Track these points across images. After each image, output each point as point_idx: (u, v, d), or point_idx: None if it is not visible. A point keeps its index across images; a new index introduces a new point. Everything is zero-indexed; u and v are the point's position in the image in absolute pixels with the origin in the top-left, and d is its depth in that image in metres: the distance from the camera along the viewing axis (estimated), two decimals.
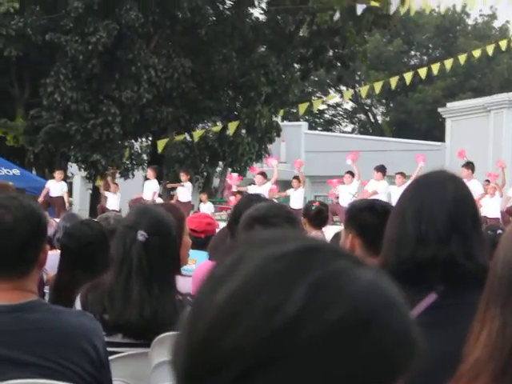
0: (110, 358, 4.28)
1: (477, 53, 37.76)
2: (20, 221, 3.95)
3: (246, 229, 4.93)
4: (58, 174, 29.42)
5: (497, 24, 73.91)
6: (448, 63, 35.73)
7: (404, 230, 3.47)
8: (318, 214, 11.25)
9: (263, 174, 27.86)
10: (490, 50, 38.27)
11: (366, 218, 4.97)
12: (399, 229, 3.51)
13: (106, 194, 30.29)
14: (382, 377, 1.40)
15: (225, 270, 1.46)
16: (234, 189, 28.75)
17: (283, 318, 1.35)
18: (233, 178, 30.31)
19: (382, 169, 25.17)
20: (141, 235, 4.78)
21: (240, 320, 1.36)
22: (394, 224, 3.57)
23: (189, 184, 29.91)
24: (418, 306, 3.29)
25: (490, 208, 25.08)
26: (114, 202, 28.74)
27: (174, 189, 30.92)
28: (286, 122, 46.41)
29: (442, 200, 3.50)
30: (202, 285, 1.49)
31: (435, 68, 35.45)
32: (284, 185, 31.54)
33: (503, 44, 38.23)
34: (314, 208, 11.28)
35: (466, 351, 2.39)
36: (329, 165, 41.06)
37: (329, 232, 10.15)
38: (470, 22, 74.25)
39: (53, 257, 9.15)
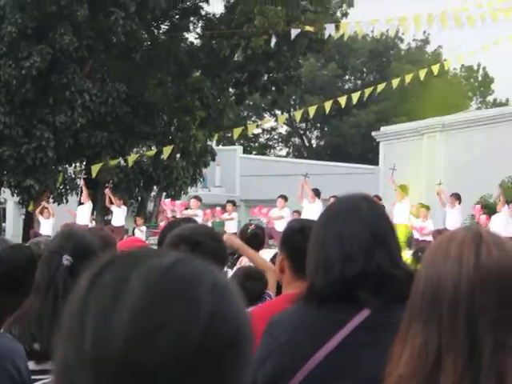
0: None
1: (409, 77, 37.89)
2: None
3: (172, 248, 4.81)
4: None
5: (429, 49, 74.26)
6: (381, 87, 35.98)
7: (328, 252, 3.48)
8: (254, 237, 11.12)
9: (197, 197, 27.96)
10: (422, 74, 38.45)
11: (297, 240, 4.84)
12: (323, 252, 3.52)
13: (40, 218, 29.95)
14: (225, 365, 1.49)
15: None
16: (169, 214, 28.64)
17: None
18: (166, 204, 30.21)
19: (316, 192, 25.41)
20: (66, 259, 4.68)
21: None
22: (316, 249, 3.58)
23: (123, 208, 29.90)
24: (350, 324, 3.33)
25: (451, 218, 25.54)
26: (46, 227, 28.30)
27: (107, 213, 30.84)
28: (220, 147, 46.53)
29: (360, 218, 3.57)
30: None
31: (368, 92, 35.69)
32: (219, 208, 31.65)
33: (435, 68, 38.32)
34: (250, 231, 11.27)
35: (388, 370, 2.49)
36: (264, 189, 41.27)
37: (265, 255, 10.26)
38: (403, 46, 73.97)
39: None
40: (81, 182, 30.07)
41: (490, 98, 78.45)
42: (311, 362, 3.30)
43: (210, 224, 26.31)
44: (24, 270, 5.15)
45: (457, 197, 27.12)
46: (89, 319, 1.44)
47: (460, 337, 2.38)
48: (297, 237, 4.95)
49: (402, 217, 25.18)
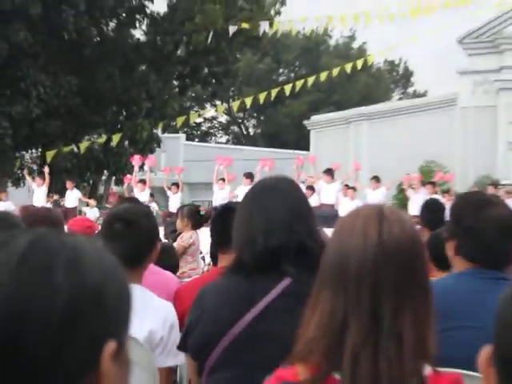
0: None
1: (336, 71, 37.97)
2: None
3: (106, 226, 4.75)
4: None
5: (355, 45, 74.59)
6: (311, 80, 35.98)
7: (253, 227, 3.50)
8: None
9: (143, 181, 27.84)
10: (348, 68, 38.65)
11: (224, 218, 4.89)
12: (248, 228, 3.53)
13: None
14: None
15: None
16: (136, 169, 28.42)
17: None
18: (135, 159, 29.80)
19: (250, 175, 25.22)
20: None
21: None
22: (242, 225, 3.60)
23: (75, 191, 29.72)
24: (273, 292, 3.34)
25: (373, 198, 25.47)
26: (5, 208, 28.08)
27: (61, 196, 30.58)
28: (166, 134, 46.18)
29: (281, 197, 3.57)
30: None
31: (299, 84, 35.68)
32: (162, 192, 31.44)
33: (360, 63, 38.57)
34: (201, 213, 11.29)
35: (299, 332, 2.49)
36: (205, 172, 41.12)
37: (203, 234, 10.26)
38: (332, 42, 74.49)
39: None
40: (45, 169, 29.59)
41: (410, 90, 78.84)
42: (237, 328, 3.31)
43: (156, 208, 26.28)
44: None
45: (377, 179, 27.11)
46: None
47: (364, 304, 2.40)
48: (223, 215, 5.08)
49: (331, 197, 25.25)
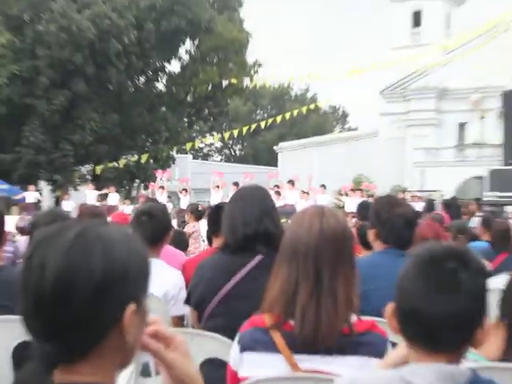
0: None
1: (296, 112, 38.14)
2: None
3: (136, 218, 4.74)
4: (31, 187, 28.70)
5: (309, 95, 74.51)
6: (279, 118, 36.10)
7: (235, 220, 3.48)
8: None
9: (162, 187, 27.80)
10: (304, 110, 38.87)
11: (216, 213, 4.86)
12: (232, 221, 3.51)
13: (64, 200, 29.59)
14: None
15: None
16: (158, 181, 28.68)
17: None
18: (158, 172, 30.30)
19: (236, 184, 25.06)
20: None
21: None
22: (228, 218, 3.56)
23: (116, 194, 29.62)
24: (249, 264, 3.34)
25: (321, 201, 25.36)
26: (68, 206, 28.08)
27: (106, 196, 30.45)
28: (178, 155, 46.05)
29: (254, 198, 3.56)
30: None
31: (270, 121, 35.78)
32: (176, 195, 31.35)
33: (312, 107, 38.88)
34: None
35: (265, 294, 2.52)
36: (206, 181, 41.08)
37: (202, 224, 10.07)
38: (293, 93, 74.74)
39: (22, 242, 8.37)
40: (107, 185, 29.68)
41: (346, 126, 78.91)
42: (223, 290, 3.32)
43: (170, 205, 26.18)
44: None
45: (324, 187, 27.18)
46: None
47: (309, 273, 2.43)
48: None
49: (292, 199, 25.21)
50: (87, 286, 1.39)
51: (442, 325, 1.81)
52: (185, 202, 26.36)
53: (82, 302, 1.38)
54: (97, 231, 1.47)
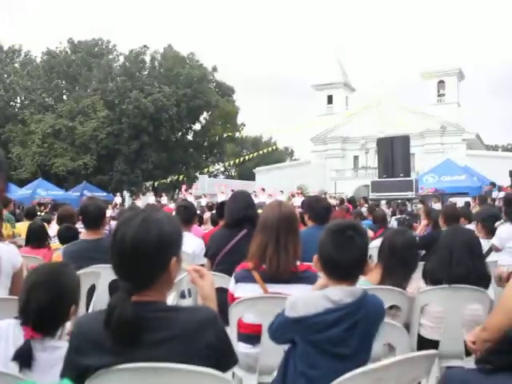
0: None
1: (265, 151, 38.17)
2: None
3: (177, 210, 4.49)
4: (118, 194, 27.86)
5: (273, 140, 73.14)
6: (255, 154, 35.84)
7: (232, 209, 3.30)
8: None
9: (190, 193, 27.31)
10: (270, 149, 38.88)
11: (221, 206, 4.62)
12: (230, 210, 3.32)
13: (136, 201, 28.99)
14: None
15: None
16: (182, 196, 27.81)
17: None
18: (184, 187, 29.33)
19: (233, 190, 24.67)
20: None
21: None
22: (227, 208, 3.35)
23: (165, 197, 29.09)
24: (239, 234, 3.17)
25: (280, 199, 24.84)
26: (139, 204, 27.44)
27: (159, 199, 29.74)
28: (200, 175, 45.74)
29: (244, 197, 3.41)
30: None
31: (252, 156, 35.53)
32: (199, 197, 30.70)
33: (275, 147, 38.63)
34: (209, 204, 10.93)
35: (249, 250, 2.43)
36: (216, 189, 41.05)
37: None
38: (263, 139, 73.49)
39: None
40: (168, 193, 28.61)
41: (294, 158, 78.42)
42: (226, 248, 3.23)
43: (196, 203, 25.69)
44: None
45: (282, 192, 26.82)
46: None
47: (273, 238, 2.36)
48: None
49: (263, 199, 24.91)
50: (149, 248, 1.36)
51: (345, 266, 1.81)
52: (204, 202, 25.96)
53: (147, 257, 1.35)
54: (153, 216, 1.44)
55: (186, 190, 27.00)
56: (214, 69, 39.60)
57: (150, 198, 28.10)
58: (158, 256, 1.37)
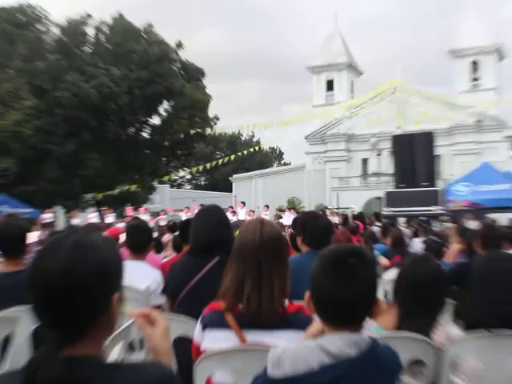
0: None
1: (245, 152, 38.35)
2: None
3: (126, 233, 4.67)
4: (48, 210, 27.82)
5: (255, 139, 74.68)
6: (233, 157, 36.04)
7: (198, 230, 3.42)
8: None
9: (146, 209, 27.53)
10: (251, 150, 39.15)
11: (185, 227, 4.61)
12: (196, 231, 3.43)
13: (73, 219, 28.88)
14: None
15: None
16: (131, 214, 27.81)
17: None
18: (128, 209, 29.29)
19: (202, 205, 24.99)
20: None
21: None
22: (193, 229, 3.47)
23: (113, 214, 29.07)
24: (209, 264, 3.27)
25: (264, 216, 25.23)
26: (76, 223, 27.37)
27: (104, 217, 29.63)
28: (159, 185, 45.64)
29: (214, 213, 3.52)
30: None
31: (227, 159, 35.66)
32: (157, 214, 30.76)
33: (257, 148, 39.05)
34: (170, 223, 11.10)
35: (222, 284, 2.48)
36: (179, 204, 40.88)
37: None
38: (243, 138, 74.63)
39: None
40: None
41: (282, 162, 79.41)
42: (191, 283, 3.27)
43: (152, 223, 25.73)
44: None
45: (267, 207, 27.04)
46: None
47: (253, 267, 2.39)
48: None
49: (242, 216, 25.17)
50: (85, 282, 1.35)
51: (347, 306, 1.81)
52: (164, 221, 26.04)
53: (82, 295, 1.34)
54: (87, 239, 1.43)
55: (135, 210, 27.01)
56: (179, 45, 39.97)
57: (92, 216, 27.87)
58: (96, 293, 1.37)
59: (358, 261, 1.84)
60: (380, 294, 1.97)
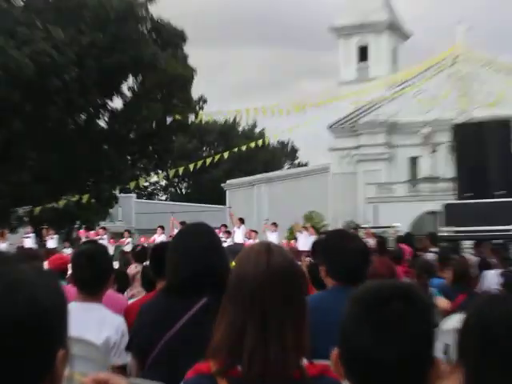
0: None
1: (244, 148, 38.54)
2: None
3: (74, 263, 4.73)
4: None
5: (257, 130, 75.54)
6: (226, 154, 36.20)
7: (179, 258, 3.47)
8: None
9: (104, 228, 27.81)
10: (252, 146, 39.29)
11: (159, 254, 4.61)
12: (175, 259, 3.49)
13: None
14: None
15: None
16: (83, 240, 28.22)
17: None
18: (81, 233, 29.84)
19: (183, 223, 25.32)
20: None
21: None
22: (171, 256, 3.53)
23: (56, 236, 29.26)
24: (194, 308, 3.32)
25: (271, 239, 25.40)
26: (3, 248, 27.58)
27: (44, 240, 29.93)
28: (121, 194, 45.90)
29: (201, 235, 3.57)
30: None
31: (217, 157, 35.82)
32: (119, 236, 31.05)
33: (260, 142, 39.12)
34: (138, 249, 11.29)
35: (212, 336, 2.46)
36: (150, 221, 41.02)
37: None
38: (240, 128, 75.56)
39: None
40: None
41: (296, 161, 79.92)
42: (167, 336, 3.28)
43: (112, 247, 25.87)
44: None
45: (275, 225, 27.23)
46: None
47: (256, 315, 2.36)
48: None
49: (239, 238, 25.27)
50: (21, 335, 1.36)
51: (388, 367, 1.81)
52: (127, 246, 26.28)
53: (17, 352, 1.35)
54: (19, 276, 1.43)
55: (100, 228, 27.46)
56: None
57: (26, 238, 28.01)
58: (31, 351, 1.38)
59: (406, 304, 1.85)
60: (438, 351, 1.99)
